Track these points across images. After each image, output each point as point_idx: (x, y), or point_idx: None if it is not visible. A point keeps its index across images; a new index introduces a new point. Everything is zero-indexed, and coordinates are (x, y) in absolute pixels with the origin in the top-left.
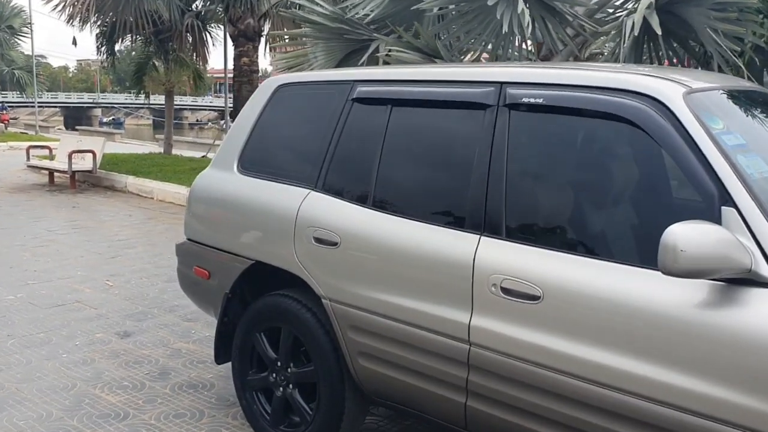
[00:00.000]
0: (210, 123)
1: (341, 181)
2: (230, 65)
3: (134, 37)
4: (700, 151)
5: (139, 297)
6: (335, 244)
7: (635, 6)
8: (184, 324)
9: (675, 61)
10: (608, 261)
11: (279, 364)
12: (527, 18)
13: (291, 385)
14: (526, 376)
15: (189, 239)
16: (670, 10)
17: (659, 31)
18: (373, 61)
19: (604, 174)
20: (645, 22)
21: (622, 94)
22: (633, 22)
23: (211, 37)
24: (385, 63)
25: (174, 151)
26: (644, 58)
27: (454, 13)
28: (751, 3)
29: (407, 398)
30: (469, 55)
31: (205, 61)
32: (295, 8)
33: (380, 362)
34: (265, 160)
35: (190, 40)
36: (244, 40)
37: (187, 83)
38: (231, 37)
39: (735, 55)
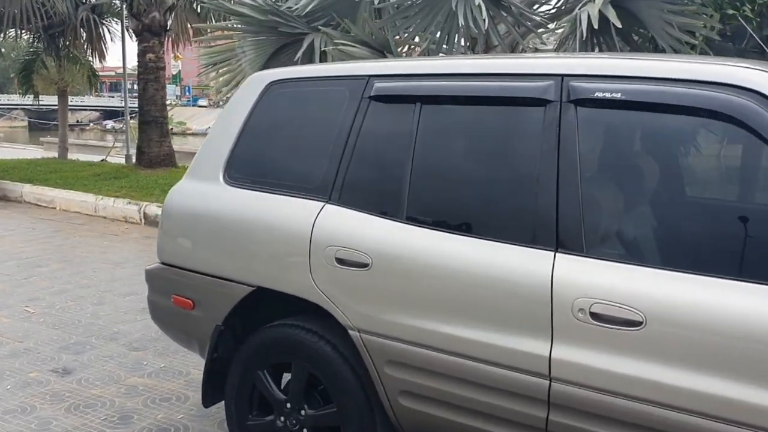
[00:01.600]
0: (92, 124)
1: (363, 193)
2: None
3: (18, 32)
4: None
5: (69, 324)
6: (365, 265)
7: None
8: (132, 354)
9: None
10: (722, 278)
11: (289, 405)
12: (484, 12)
13: (305, 430)
14: (624, 413)
15: (164, 263)
16: (618, 4)
17: (619, 25)
18: (307, 56)
19: (706, 177)
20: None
21: (717, 88)
22: (588, 15)
23: (109, 32)
24: (323, 57)
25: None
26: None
27: (396, 6)
28: None
29: None
30: (418, 50)
31: (103, 58)
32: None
33: (429, 402)
34: (258, 169)
35: (85, 35)
36: (149, 35)
37: (82, 82)
38: (134, 32)
39: (688, 48)
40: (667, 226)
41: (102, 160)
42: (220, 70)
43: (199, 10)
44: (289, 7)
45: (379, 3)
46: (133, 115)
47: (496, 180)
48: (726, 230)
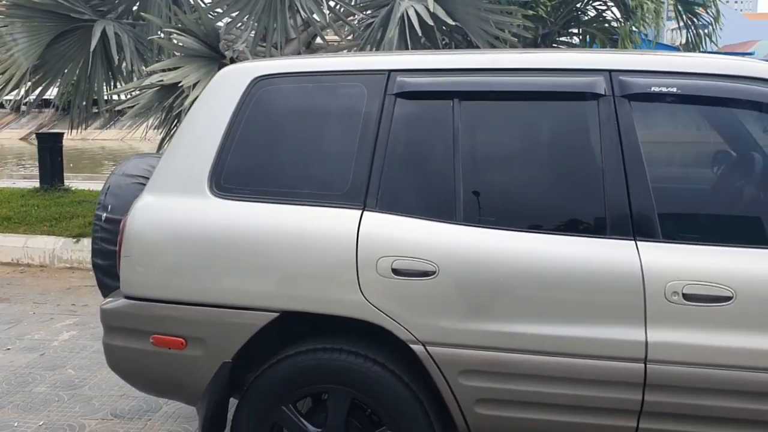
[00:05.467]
0: None
1: (407, 197)
2: None
3: None
4: None
5: None
6: (430, 273)
7: None
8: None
9: None
10: None
11: None
12: None
13: None
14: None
15: (135, 298)
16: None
17: (451, 22)
18: (100, 46)
19: None
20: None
21: None
22: (416, 12)
23: None
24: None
25: None
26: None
27: None
28: None
29: None
30: (242, 43)
31: None
32: None
33: (511, 405)
34: (259, 178)
35: None
36: None
37: None
38: None
39: (503, 44)
40: None
41: None
42: None
43: None
44: None
45: None
46: None
47: (556, 176)
48: None
